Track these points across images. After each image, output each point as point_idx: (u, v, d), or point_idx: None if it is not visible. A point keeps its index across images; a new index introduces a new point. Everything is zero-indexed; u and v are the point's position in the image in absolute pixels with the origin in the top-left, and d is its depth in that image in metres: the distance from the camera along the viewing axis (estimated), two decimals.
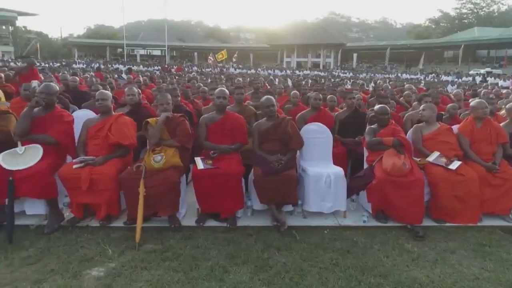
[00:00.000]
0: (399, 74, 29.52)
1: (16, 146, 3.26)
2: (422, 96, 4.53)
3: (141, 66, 30.01)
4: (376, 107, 3.78)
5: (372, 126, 3.77)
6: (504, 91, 10.12)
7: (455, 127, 3.89)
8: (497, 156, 3.64)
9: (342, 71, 35.73)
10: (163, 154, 3.25)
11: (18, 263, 2.64)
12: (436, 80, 23.23)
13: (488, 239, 3.17)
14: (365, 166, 3.80)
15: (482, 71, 31.45)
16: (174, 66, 30.33)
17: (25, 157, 3.13)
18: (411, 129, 3.86)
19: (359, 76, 26.49)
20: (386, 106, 3.75)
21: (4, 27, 51.08)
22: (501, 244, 3.09)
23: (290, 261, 2.74)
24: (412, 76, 27.40)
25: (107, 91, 3.64)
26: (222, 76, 15.95)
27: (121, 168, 3.32)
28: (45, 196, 3.14)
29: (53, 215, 3.21)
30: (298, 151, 3.78)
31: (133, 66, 26.30)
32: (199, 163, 3.34)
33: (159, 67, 28.38)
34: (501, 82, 19.68)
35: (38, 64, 15.16)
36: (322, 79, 16.84)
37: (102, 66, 23.10)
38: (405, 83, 13.24)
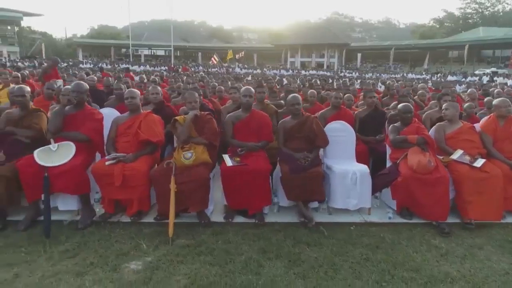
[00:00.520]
0: (405, 74, 29.50)
1: (47, 143, 3.33)
2: (442, 95, 4.57)
3: (147, 66, 30.14)
4: (400, 105, 3.83)
5: (396, 124, 3.82)
6: None
7: (476, 126, 3.93)
8: None
9: (348, 71, 35.72)
10: (193, 151, 3.31)
11: (57, 257, 2.70)
12: (442, 80, 23.19)
13: None
14: (388, 163, 3.86)
15: (488, 71, 31.40)
16: (180, 66, 30.45)
17: (59, 154, 3.20)
18: (434, 127, 3.90)
19: (366, 76, 26.49)
20: (409, 104, 3.79)
21: (9, 27, 51.40)
22: None
23: (321, 256, 2.80)
24: (418, 76, 27.42)
25: (136, 90, 3.71)
26: (229, 76, 16.03)
27: (151, 164, 3.40)
28: (79, 192, 3.21)
29: (86, 210, 3.28)
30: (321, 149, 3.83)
31: (139, 66, 26.41)
32: (228, 160, 3.40)
33: (166, 67, 28.50)
34: (510, 82, 19.65)
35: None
36: (330, 79, 16.86)
37: (104, 66, 23.23)
38: (414, 82, 13.24)
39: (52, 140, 3.31)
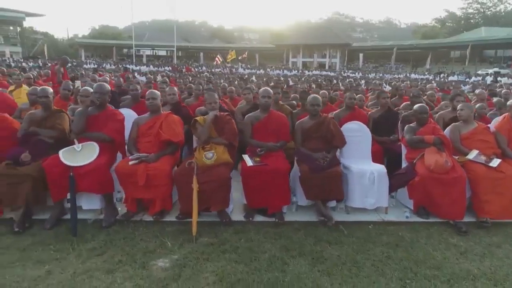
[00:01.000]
0: (408, 74, 29.54)
1: (70, 143, 3.39)
2: (454, 96, 4.62)
3: (151, 66, 30.23)
4: (416, 106, 3.88)
5: (411, 124, 3.87)
6: None
7: (491, 126, 3.98)
8: None
9: (351, 71, 35.76)
10: (214, 151, 3.37)
11: (86, 255, 2.76)
12: (446, 80, 23.23)
13: None
14: (404, 163, 3.91)
15: (490, 71, 31.40)
16: (183, 67, 30.52)
17: (83, 154, 3.26)
18: (448, 128, 3.95)
19: (369, 77, 26.52)
20: (425, 105, 3.85)
21: (12, 27, 51.61)
22: None
23: (343, 254, 2.86)
24: (422, 76, 27.43)
25: (156, 91, 3.76)
26: (234, 76, 16.09)
27: (173, 164, 3.45)
28: (103, 191, 3.27)
29: (109, 209, 3.34)
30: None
31: (146, 66, 26.47)
32: (248, 160, 3.46)
33: (169, 68, 28.58)
34: None
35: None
36: (334, 80, 16.91)
37: (108, 67, 23.28)
38: (419, 83, 13.29)
39: (76, 141, 3.37)
